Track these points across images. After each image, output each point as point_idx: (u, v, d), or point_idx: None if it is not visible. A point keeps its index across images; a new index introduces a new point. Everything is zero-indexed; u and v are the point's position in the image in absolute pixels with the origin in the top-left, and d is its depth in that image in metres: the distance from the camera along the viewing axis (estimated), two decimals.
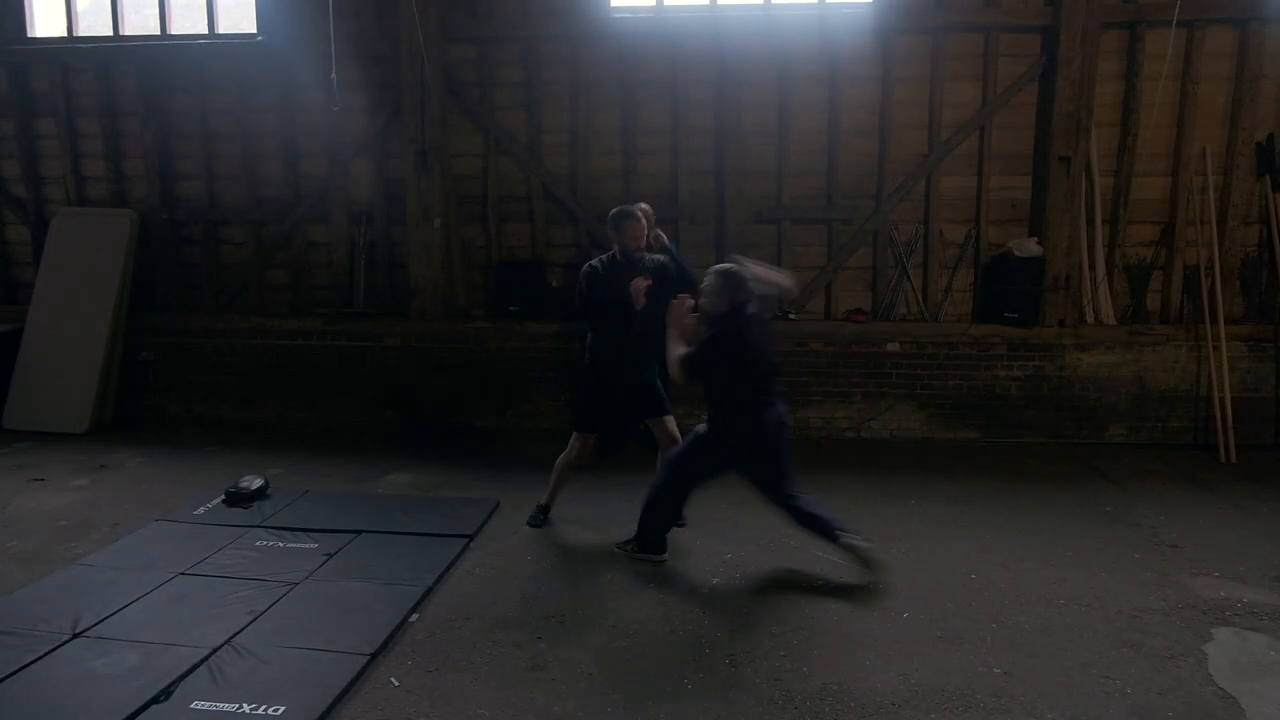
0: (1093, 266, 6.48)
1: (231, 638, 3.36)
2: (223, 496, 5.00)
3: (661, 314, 4.14)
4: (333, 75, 5.69)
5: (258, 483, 5.05)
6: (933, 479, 5.52)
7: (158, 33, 7.22)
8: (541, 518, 4.75)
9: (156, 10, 7.21)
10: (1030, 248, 6.34)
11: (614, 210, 4.47)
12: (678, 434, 4.43)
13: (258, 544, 4.37)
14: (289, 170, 7.19)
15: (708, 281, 3.94)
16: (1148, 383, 6.37)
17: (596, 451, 5.78)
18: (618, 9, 6.71)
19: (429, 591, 3.85)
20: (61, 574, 4.01)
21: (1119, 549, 4.38)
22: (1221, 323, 6.18)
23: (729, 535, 4.57)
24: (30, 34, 7.37)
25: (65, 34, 7.34)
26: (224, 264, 7.42)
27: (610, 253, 4.49)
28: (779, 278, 4.34)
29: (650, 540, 4.25)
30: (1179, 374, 6.36)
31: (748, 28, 6.56)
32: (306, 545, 4.35)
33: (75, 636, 3.38)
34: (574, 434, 4.60)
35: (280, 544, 4.38)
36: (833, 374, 6.53)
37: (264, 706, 2.89)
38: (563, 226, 7.02)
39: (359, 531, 4.51)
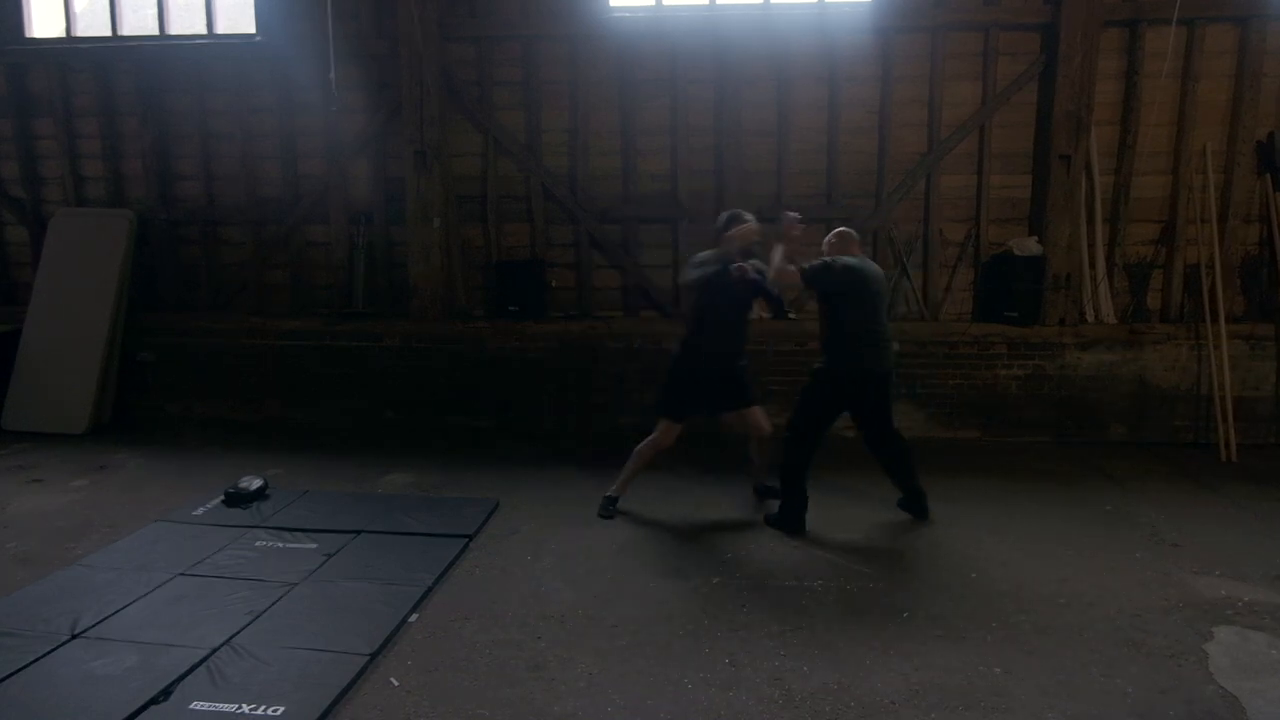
0: (1093, 265, 6.47)
1: (231, 638, 3.36)
2: (222, 497, 4.99)
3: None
4: (331, 75, 5.70)
5: (257, 483, 5.05)
6: (933, 479, 5.48)
7: (156, 33, 7.22)
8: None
9: (155, 10, 7.20)
10: (1030, 246, 6.33)
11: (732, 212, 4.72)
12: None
13: (257, 544, 4.36)
14: (288, 170, 7.18)
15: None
16: (1148, 381, 6.37)
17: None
18: (616, 8, 6.71)
19: (429, 591, 3.84)
20: (61, 575, 4.01)
21: (1120, 548, 4.37)
22: (1222, 321, 6.17)
23: (729, 535, 4.57)
24: (28, 34, 7.36)
25: (63, 34, 7.34)
26: (223, 264, 7.41)
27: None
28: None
29: (792, 517, 4.55)
30: (1179, 373, 6.35)
31: (747, 26, 6.55)
32: (306, 545, 4.34)
33: (74, 637, 3.38)
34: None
35: (280, 544, 4.37)
36: None
37: (263, 707, 2.89)
38: (562, 226, 7.01)
39: (359, 532, 4.51)
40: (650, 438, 4.78)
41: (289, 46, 6.87)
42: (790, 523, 4.56)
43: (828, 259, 4.51)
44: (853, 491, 5.18)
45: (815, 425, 4.57)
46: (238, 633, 3.41)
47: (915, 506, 4.80)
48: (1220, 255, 6.31)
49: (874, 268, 4.60)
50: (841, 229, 4.72)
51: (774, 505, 4.72)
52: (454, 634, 3.49)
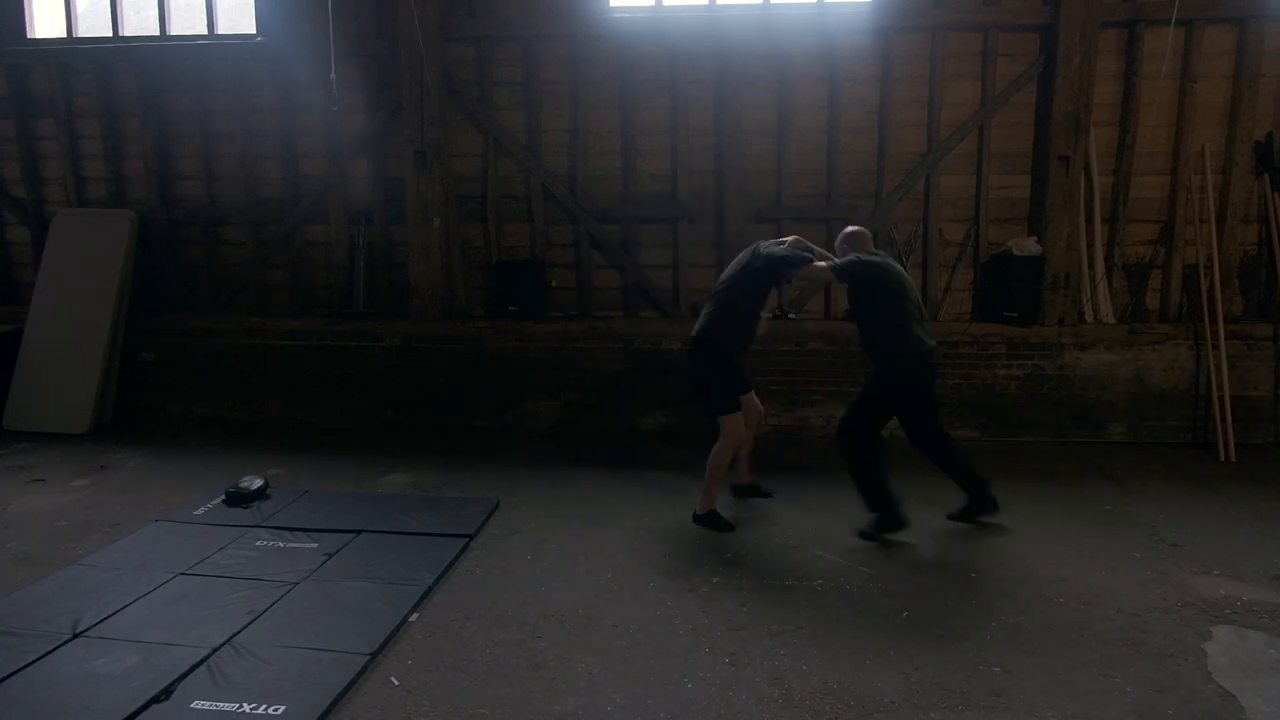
0: (1092, 265, 6.48)
1: (231, 638, 3.37)
2: (223, 497, 5.00)
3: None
4: (332, 75, 5.71)
5: (258, 483, 5.06)
6: (933, 479, 5.50)
7: (157, 33, 7.23)
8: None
9: (156, 11, 7.21)
10: (1030, 247, 6.34)
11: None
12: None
13: (258, 544, 4.37)
14: (288, 170, 7.19)
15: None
16: (1147, 381, 6.38)
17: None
18: (616, 9, 6.72)
19: (429, 591, 3.85)
20: (62, 574, 4.01)
21: (1119, 547, 4.38)
22: (1220, 321, 6.18)
23: (729, 535, 4.58)
24: (30, 35, 7.37)
25: (65, 35, 7.34)
26: (224, 264, 7.42)
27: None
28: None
29: (886, 518, 4.47)
30: (1178, 372, 6.36)
31: (746, 27, 6.56)
32: (306, 545, 4.35)
33: (75, 636, 3.39)
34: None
35: (280, 544, 4.38)
36: (832, 373, 6.52)
37: (264, 706, 2.90)
38: (562, 226, 7.02)
39: (359, 531, 4.51)
40: (721, 442, 4.62)
41: (289, 47, 6.88)
42: (891, 522, 4.48)
43: (854, 256, 4.48)
44: (851, 491, 5.17)
45: (877, 424, 4.54)
46: (238, 632, 3.41)
47: (983, 503, 4.71)
48: (1219, 255, 6.32)
49: (894, 263, 4.59)
50: (853, 229, 4.69)
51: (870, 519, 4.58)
52: (454, 633, 3.50)
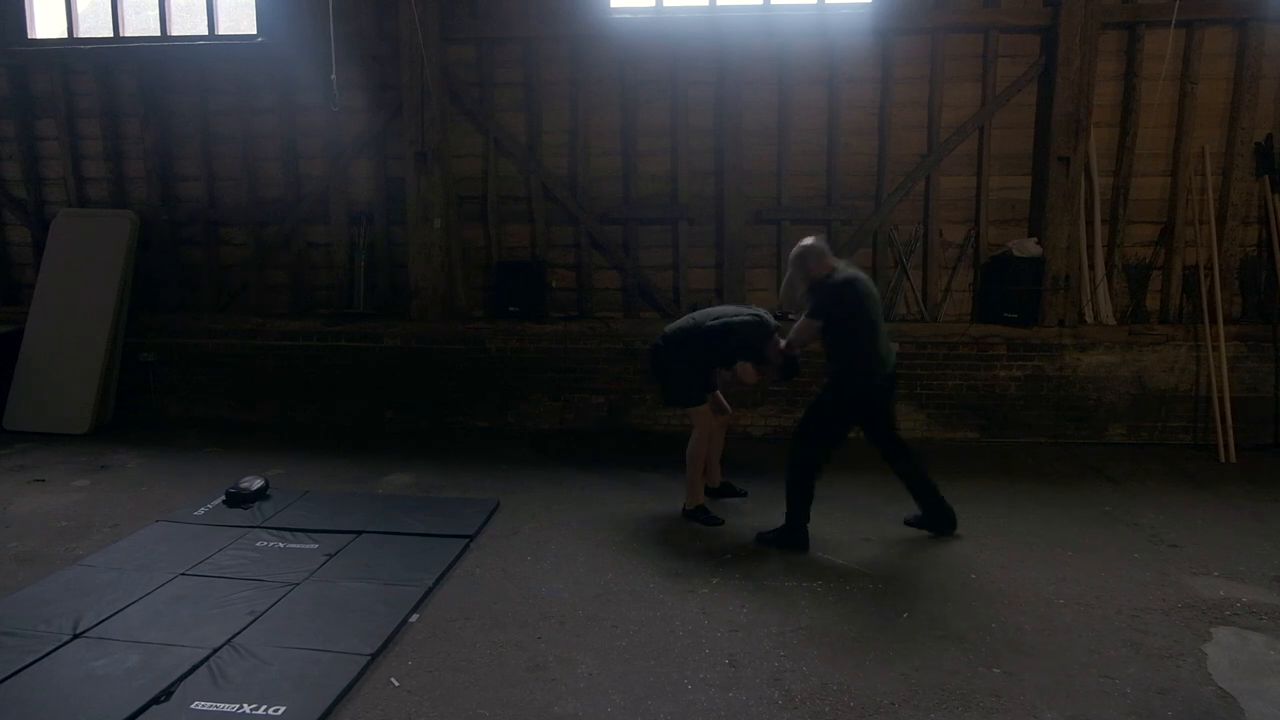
0: (1092, 266, 6.48)
1: (232, 638, 3.37)
2: (223, 497, 5.01)
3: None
4: (333, 76, 5.71)
5: (258, 483, 5.06)
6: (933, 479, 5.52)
7: (158, 34, 7.22)
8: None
9: (157, 11, 7.21)
10: (1030, 248, 6.34)
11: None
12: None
13: (258, 544, 4.38)
14: (289, 171, 7.19)
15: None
16: (1147, 383, 6.38)
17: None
18: (617, 9, 6.72)
19: (429, 592, 3.85)
20: (62, 575, 4.02)
21: (1119, 549, 4.38)
22: (1221, 322, 6.18)
23: (729, 535, 4.58)
24: (31, 35, 7.37)
25: (65, 35, 7.34)
26: (224, 264, 7.42)
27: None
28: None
29: (794, 530, 4.38)
30: (1178, 374, 6.36)
31: (747, 28, 6.56)
32: (307, 546, 4.36)
33: (76, 637, 3.39)
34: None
35: (280, 544, 4.38)
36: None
37: (264, 707, 2.90)
38: (563, 227, 7.02)
39: (359, 532, 4.52)
40: (694, 434, 4.76)
41: (290, 47, 6.87)
42: (798, 539, 4.40)
43: (822, 282, 4.28)
44: (850, 493, 5.18)
45: (836, 442, 4.45)
46: (239, 633, 3.42)
47: (938, 517, 4.58)
48: (1219, 257, 6.32)
49: (861, 274, 4.35)
50: (799, 249, 4.39)
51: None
52: (454, 634, 3.50)
